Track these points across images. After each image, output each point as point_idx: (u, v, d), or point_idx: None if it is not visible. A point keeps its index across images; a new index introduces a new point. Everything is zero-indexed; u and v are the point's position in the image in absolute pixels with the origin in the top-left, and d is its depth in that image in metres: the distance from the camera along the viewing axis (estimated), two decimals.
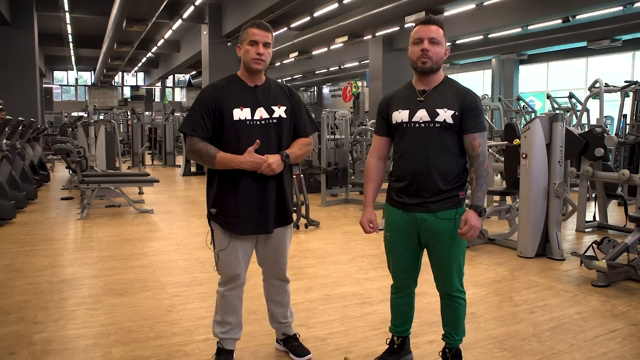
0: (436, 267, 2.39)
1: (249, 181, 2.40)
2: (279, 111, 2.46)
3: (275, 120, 2.44)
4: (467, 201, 2.35)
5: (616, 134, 7.73)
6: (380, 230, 2.50)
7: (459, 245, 2.34)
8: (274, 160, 2.36)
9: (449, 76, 2.39)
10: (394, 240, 2.43)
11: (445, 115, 2.25)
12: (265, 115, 2.43)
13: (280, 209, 2.49)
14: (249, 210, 2.41)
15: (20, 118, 8.03)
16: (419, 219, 2.31)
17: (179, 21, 15.91)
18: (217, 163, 2.37)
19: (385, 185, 2.50)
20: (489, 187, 6.62)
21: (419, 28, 2.27)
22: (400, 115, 2.33)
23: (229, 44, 16.27)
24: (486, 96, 13.94)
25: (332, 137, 7.88)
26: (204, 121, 2.39)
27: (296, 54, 17.10)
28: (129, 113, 15.93)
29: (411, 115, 2.29)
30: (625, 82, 7.92)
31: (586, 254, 4.02)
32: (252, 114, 2.41)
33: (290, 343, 2.71)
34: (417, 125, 2.28)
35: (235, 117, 2.39)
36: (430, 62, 2.25)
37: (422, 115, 2.27)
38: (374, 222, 2.45)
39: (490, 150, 6.85)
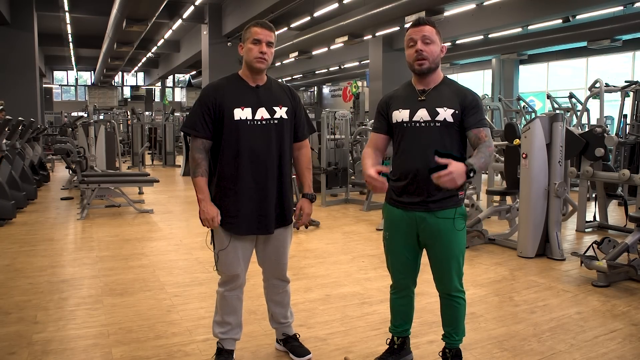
0: (435, 266, 2.39)
1: (249, 181, 2.39)
2: (281, 112, 2.45)
3: (276, 121, 2.44)
4: (466, 201, 2.35)
5: (616, 134, 7.74)
6: (380, 230, 2.50)
7: (458, 244, 2.34)
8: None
9: (449, 76, 2.39)
10: (392, 239, 2.43)
11: (445, 114, 2.25)
12: (267, 116, 2.42)
13: (281, 210, 2.49)
14: (249, 211, 2.41)
15: (20, 118, 8.04)
16: (418, 219, 2.31)
17: (179, 21, 15.93)
18: (194, 182, 2.43)
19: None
20: (490, 186, 6.63)
21: (410, 30, 2.29)
22: (400, 115, 2.33)
23: (229, 44, 16.27)
24: (486, 96, 13.94)
25: (332, 137, 7.88)
26: (204, 120, 2.39)
27: (296, 54, 17.11)
28: (129, 113, 15.92)
29: (412, 115, 2.30)
30: (626, 82, 7.91)
31: (586, 254, 4.02)
32: (253, 114, 2.40)
33: (290, 343, 2.71)
34: (417, 124, 2.29)
35: (236, 117, 2.38)
36: (427, 62, 2.25)
37: (422, 114, 2.28)
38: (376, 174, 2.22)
39: None
